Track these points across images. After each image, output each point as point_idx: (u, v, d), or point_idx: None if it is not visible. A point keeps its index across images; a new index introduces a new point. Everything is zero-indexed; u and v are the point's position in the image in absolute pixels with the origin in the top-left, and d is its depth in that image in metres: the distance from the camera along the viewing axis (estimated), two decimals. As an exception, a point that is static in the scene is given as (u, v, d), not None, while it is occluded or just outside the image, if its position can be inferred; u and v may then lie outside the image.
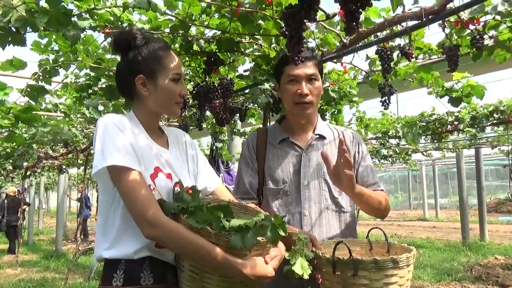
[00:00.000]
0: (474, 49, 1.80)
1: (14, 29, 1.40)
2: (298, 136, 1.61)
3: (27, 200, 12.50)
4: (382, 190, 1.57)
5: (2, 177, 10.63)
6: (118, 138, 1.15)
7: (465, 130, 5.11)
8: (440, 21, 1.69)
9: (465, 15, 1.66)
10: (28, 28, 1.35)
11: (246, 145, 1.66)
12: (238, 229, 1.04)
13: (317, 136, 1.60)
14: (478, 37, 1.70)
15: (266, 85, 2.20)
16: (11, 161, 5.35)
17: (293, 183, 1.54)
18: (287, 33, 1.19)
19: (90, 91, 2.47)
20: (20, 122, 2.11)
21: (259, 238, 1.06)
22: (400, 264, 1.13)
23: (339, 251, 1.18)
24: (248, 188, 1.58)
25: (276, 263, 1.15)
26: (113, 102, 2.72)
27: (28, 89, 1.96)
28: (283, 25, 1.63)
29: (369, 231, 1.42)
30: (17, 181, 12.43)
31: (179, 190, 1.19)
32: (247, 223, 1.05)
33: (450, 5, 1.48)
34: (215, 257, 1.05)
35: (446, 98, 2.51)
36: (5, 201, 10.21)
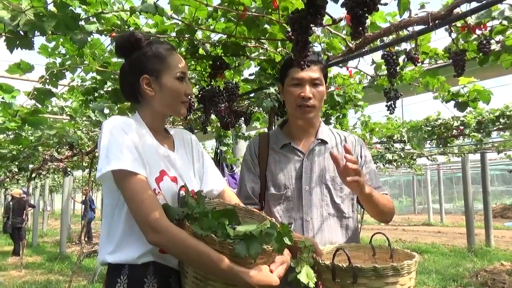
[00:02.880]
0: (480, 54, 1.79)
1: (22, 33, 1.41)
2: (300, 141, 1.61)
3: (32, 202, 12.55)
4: (386, 194, 1.56)
5: (8, 179, 10.70)
6: (124, 141, 1.14)
7: (470, 135, 5.08)
8: (447, 26, 1.69)
9: (471, 20, 1.66)
10: (36, 31, 1.36)
11: (248, 150, 1.66)
12: (243, 237, 1.03)
13: (319, 141, 1.59)
14: (484, 42, 1.69)
15: (272, 89, 2.20)
16: (16, 163, 5.38)
17: (294, 188, 1.53)
18: (293, 37, 1.19)
19: (96, 94, 2.48)
20: (26, 124, 2.12)
21: (264, 246, 1.03)
22: (401, 272, 1.11)
23: (339, 256, 1.17)
24: (250, 194, 1.58)
25: (281, 271, 1.13)
26: (118, 106, 2.73)
27: (35, 92, 1.98)
28: (289, 29, 1.64)
29: (372, 236, 1.41)
30: (22, 183, 12.50)
31: (184, 194, 1.18)
32: (252, 231, 1.03)
33: (457, 10, 1.48)
34: (219, 265, 1.03)
35: (452, 102, 2.50)
36: (11, 203, 10.27)
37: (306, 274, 1.14)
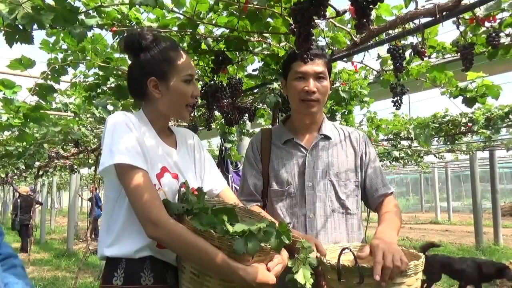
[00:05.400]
0: (489, 48, 1.74)
1: (21, 27, 1.40)
2: (303, 137, 1.58)
3: (40, 199, 12.66)
4: (391, 192, 1.54)
5: (16, 176, 10.80)
6: (126, 136, 1.15)
7: (479, 131, 5.00)
8: (454, 18, 1.64)
9: (480, 11, 1.61)
10: (35, 26, 1.34)
11: (251, 146, 1.64)
12: (242, 234, 1.03)
13: (322, 136, 1.56)
14: (494, 35, 1.65)
15: (275, 85, 2.18)
16: (23, 160, 5.41)
17: (297, 184, 1.50)
18: (295, 30, 1.16)
19: (99, 90, 2.47)
20: (29, 121, 2.12)
21: (262, 244, 1.04)
22: (408, 272, 1.09)
23: (344, 256, 1.15)
24: (253, 190, 1.56)
25: (278, 270, 1.12)
26: (122, 102, 2.72)
27: (37, 88, 1.97)
28: (292, 22, 1.60)
29: None
30: (30, 180, 12.61)
31: (184, 191, 1.18)
32: (251, 228, 1.03)
33: (465, 1, 1.43)
34: (217, 261, 1.03)
35: (460, 98, 2.45)
36: (18, 200, 10.35)
37: (303, 275, 1.13)
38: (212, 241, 1.04)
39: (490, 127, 4.89)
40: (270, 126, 2.75)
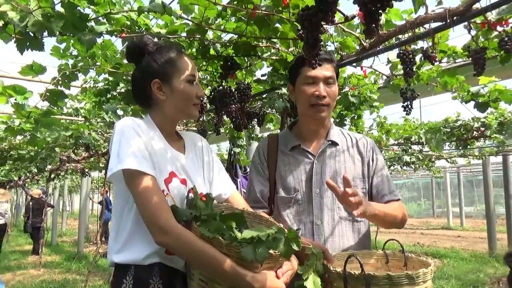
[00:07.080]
0: (502, 52, 1.71)
1: (32, 34, 1.41)
2: (310, 143, 1.57)
3: (52, 202, 12.81)
4: (398, 199, 1.51)
5: (28, 179, 10.95)
6: (134, 141, 1.15)
7: (492, 136, 4.92)
8: (466, 23, 1.62)
9: (492, 15, 1.58)
10: (44, 32, 1.36)
11: (257, 152, 1.63)
12: (250, 241, 1.02)
13: (330, 142, 1.55)
14: (506, 39, 1.62)
15: (284, 90, 2.17)
16: (35, 164, 5.49)
17: (304, 191, 1.49)
18: (303, 36, 1.15)
19: (109, 95, 2.49)
20: (40, 125, 2.14)
21: (271, 251, 1.03)
22: (416, 280, 1.07)
23: (351, 264, 1.13)
24: (259, 197, 1.55)
25: (288, 277, 1.11)
26: (131, 107, 2.74)
27: (48, 94, 1.99)
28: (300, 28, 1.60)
29: (385, 243, 1.36)
30: (42, 183, 12.77)
31: (193, 196, 1.17)
32: (259, 235, 1.02)
33: (477, 5, 1.41)
34: (225, 269, 1.02)
35: (472, 103, 2.41)
36: (30, 203, 10.49)
37: (312, 282, 1.12)
38: (220, 248, 1.04)
39: (504, 132, 4.80)
40: (279, 131, 2.74)
